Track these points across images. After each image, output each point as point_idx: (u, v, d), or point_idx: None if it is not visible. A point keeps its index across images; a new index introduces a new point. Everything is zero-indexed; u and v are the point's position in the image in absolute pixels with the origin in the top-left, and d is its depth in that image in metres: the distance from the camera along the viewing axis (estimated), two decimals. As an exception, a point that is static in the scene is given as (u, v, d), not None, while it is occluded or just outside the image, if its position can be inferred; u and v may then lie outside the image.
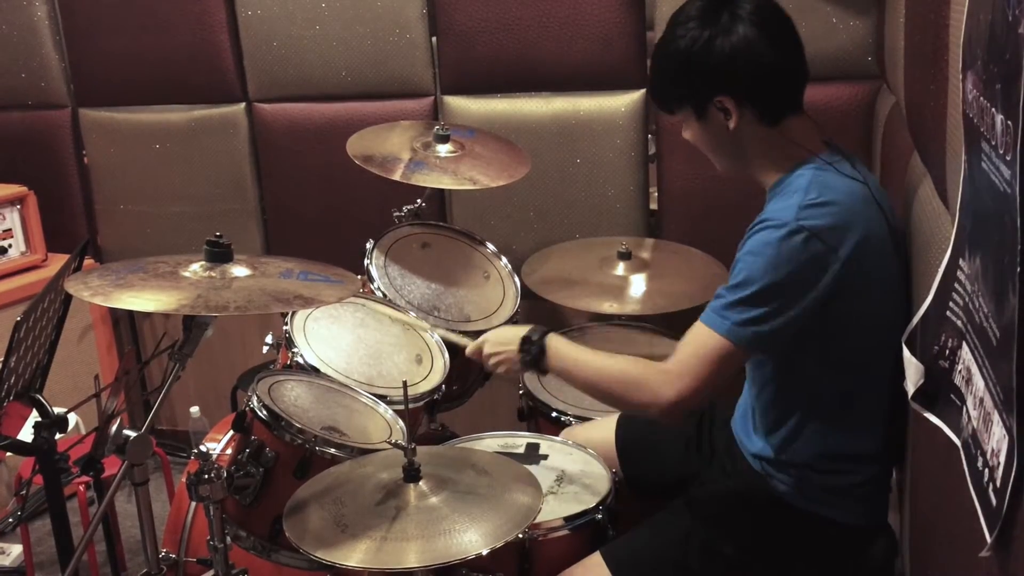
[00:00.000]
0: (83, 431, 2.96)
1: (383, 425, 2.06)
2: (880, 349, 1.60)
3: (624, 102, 2.77)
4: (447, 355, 2.30)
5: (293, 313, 2.23)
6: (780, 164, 1.71)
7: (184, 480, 1.89)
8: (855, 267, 1.58)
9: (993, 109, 0.92)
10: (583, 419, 2.26)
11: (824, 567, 1.77)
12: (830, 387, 1.69)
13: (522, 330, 1.82)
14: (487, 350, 1.87)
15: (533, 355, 1.77)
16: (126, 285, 1.66)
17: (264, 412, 1.93)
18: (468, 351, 1.92)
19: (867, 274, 1.60)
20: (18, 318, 2.02)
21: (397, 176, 2.42)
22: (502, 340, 1.85)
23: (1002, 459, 0.89)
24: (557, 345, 1.78)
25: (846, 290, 1.58)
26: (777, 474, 1.75)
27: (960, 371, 1.10)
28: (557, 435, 2.18)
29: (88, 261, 3.18)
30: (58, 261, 3.21)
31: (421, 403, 2.20)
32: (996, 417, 0.92)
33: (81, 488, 2.70)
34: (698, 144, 1.80)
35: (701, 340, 1.61)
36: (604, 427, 2.13)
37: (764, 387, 1.75)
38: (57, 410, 2.12)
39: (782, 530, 1.76)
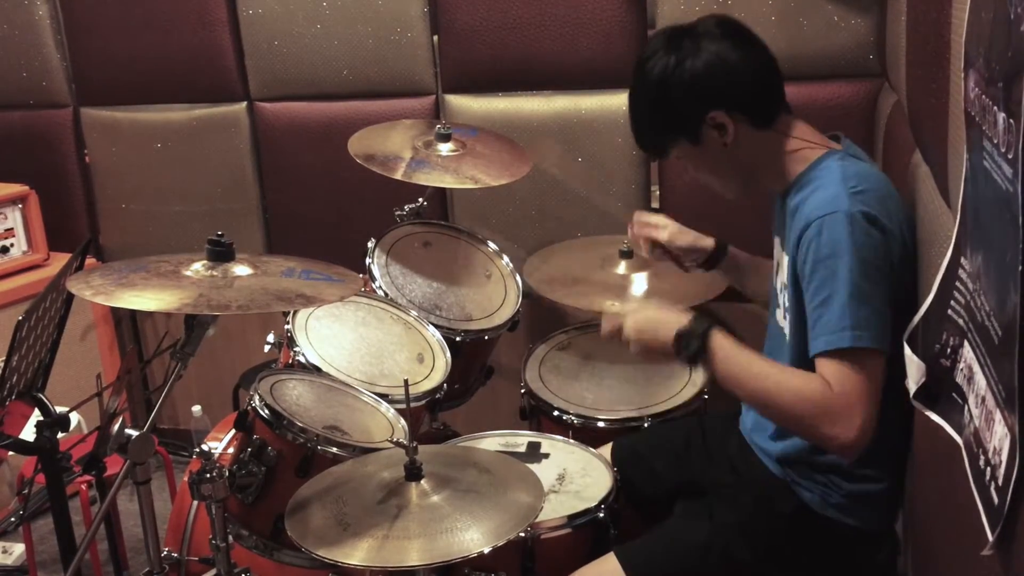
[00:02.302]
0: (85, 430, 2.97)
1: (385, 424, 2.06)
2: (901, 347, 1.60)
3: (625, 100, 2.76)
4: (448, 354, 2.31)
5: (295, 312, 2.23)
6: (793, 162, 1.70)
7: (186, 479, 1.90)
8: (903, 250, 1.58)
9: (995, 107, 0.92)
10: (585, 418, 2.26)
11: (834, 570, 1.77)
12: None
13: (676, 318, 1.67)
14: (630, 332, 1.71)
15: (692, 354, 1.64)
16: (128, 284, 1.66)
17: (266, 411, 1.93)
18: (603, 331, 1.75)
19: (908, 260, 1.60)
20: (20, 317, 2.02)
21: (399, 175, 2.42)
22: (651, 327, 1.70)
23: (1004, 457, 0.89)
24: (723, 348, 1.63)
25: (895, 274, 1.58)
26: (802, 480, 1.74)
27: (962, 369, 1.10)
28: (559, 434, 2.18)
29: (90, 260, 3.18)
30: (60, 260, 3.21)
31: (423, 402, 2.20)
32: (998, 415, 0.92)
33: (83, 487, 2.71)
34: (703, 176, 1.79)
35: (841, 365, 1.53)
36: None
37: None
38: (59, 409, 2.12)
39: (802, 537, 1.75)
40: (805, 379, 1.58)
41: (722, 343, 1.64)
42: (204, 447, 1.80)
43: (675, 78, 1.67)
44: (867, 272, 1.54)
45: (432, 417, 2.44)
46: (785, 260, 1.73)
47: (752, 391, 1.64)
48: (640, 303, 1.75)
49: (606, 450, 2.11)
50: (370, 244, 2.46)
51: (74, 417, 2.72)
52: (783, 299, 1.75)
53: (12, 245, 3.20)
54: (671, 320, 1.68)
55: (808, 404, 1.56)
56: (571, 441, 2.13)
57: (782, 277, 1.75)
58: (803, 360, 1.67)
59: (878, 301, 1.54)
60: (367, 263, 2.43)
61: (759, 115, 1.69)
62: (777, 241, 1.83)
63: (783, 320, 1.76)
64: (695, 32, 1.68)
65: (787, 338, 1.74)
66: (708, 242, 2.08)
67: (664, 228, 2.07)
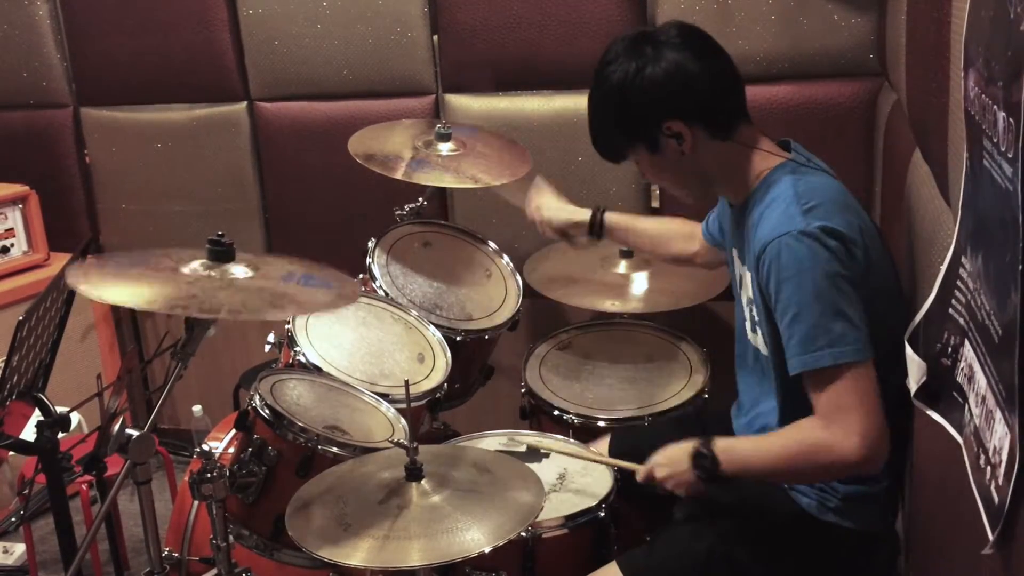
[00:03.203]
0: (85, 430, 2.97)
1: (385, 424, 2.06)
2: (890, 348, 1.60)
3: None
4: (449, 353, 2.31)
5: (295, 312, 2.23)
6: (749, 175, 1.70)
7: (187, 479, 1.89)
8: (866, 255, 1.58)
9: (995, 107, 0.92)
10: (586, 417, 2.26)
11: (836, 573, 1.77)
12: None
13: (688, 446, 1.71)
14: (660, 474, 1.75)
15: (709, 468, 1.66)
16: (121, 278, 1.64)
17: (266, 411, 1.93)
18: (640, 478, 1.80)
19: (873, 264, 1.60)
20: (20, 317, 2.02)
21: (399, 175, 2.42)
22: (672, 460, 1.74)
23: (1004, 457, 0.89)
24: (726, 448, 1.68)
25: (868, 280, 1.58)
26: (798, 486, 1.74)
27: (962, 369, 1.10)
28: (559, 433, 2.18)
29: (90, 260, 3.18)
30: (60, 260, 3.21)
31: (423, 402, 2.20)
32: (998, 415, 0.92)
33: (84, 487, 2.71)
34: (659, 181, 1.80)
35: (823, 386, 1.54)
36: (600, 441, 2.14)
37: (782, 398, 1.73)
38: (59, 409, 2.12)
39: (802, 541, 1.75)
40: (794, 430, 1.61)
41: (723, 445, 1.67)
42: (205, 447, 1.80)
43: (634, 85, 1.66)
44: (836, 285, 1.53)
45: (432, 417, 2.44)
46: (748, 276, 1.72)
47: (764, 469, 1.67)
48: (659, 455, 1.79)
49: (604, 443, 2.11)
50: (370, 244, 2.46)
51: (74, 417, 2.73)
52: (750, 312, 1.75)
53: (12, 245, 3.20)
54: (683, 449, 1.71)
55: (809, 449, 1.57)
56: (571, 441, 2.13)
57: (747, 292, 1.75)
58: (785, 375, 1.68)
59: (852, 311, 1.54)
60: (367, 263, 2.43)
61: (717, 126, 1.68)
62: (735, 253, 1.82)
63: (752, 333, 1.77)
64: (657, 39, 1.67)
65: (761, 352, 1.75)
66: (583, 215, 2.23)
67: (540, 209, 2.29)
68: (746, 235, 1.70)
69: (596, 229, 2.21)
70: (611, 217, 2.22)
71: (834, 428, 1.54)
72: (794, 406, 1.66)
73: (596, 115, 1.76)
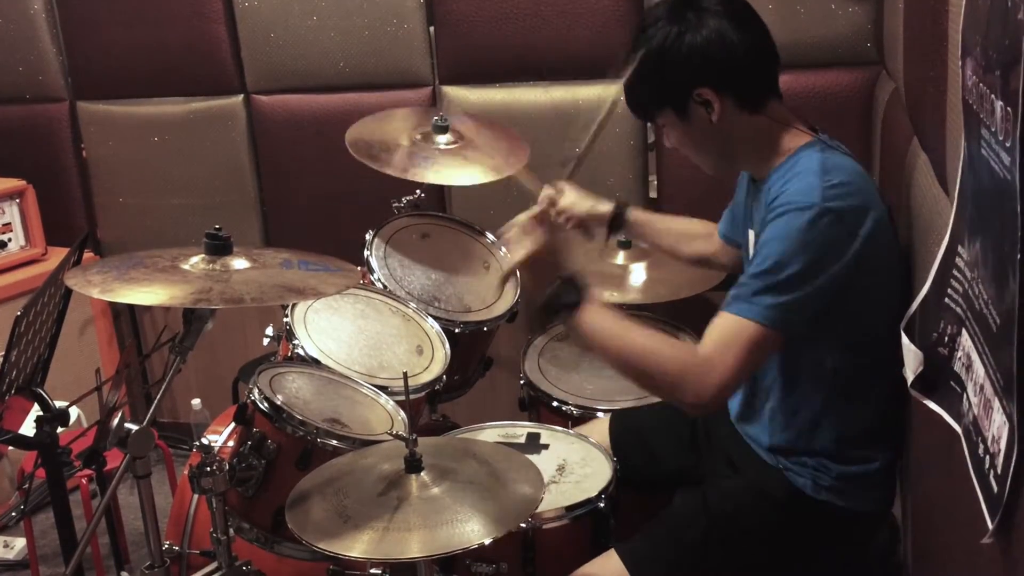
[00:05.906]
0: (85, 425, 2.97)
1: (384, 416, 2.06)
2: (890, 332, 1.60)
3: (623, 90, 2.75)
4: (447, 345, 2.31)
5: (293, 305, 2.23)
6: (776, 150, 1.70)
7: (186, 472, 1.90)
8: (872, 245, 1.58)
9: (992, 95, 0.91)
10: (584, 408, 2.26)
11: (835, 556, 1.77)
12: (846, 373, 1.69)
13: (578, 265, 1.70)
14: (548, 242, 1.73)
15: (566, 303, 1.66)
16: (131, 279, 1.65)
17: (265, 404, 1.93)
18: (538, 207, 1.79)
19: (881, 252, 1.60)
20: (18, 312, 2.02)
21: (406, 175, 2.41)
22: (566, 247, 1.73)
23: (1003, 445, 0.89)
24: (597, 308, 1.67)
25: (865, 268, 1.58)
26: (794, 467, 1.75)
27: (960, 358, 1.10)
28: (558, 424, 2.18)
29: (87, 255, 3.18)
30: (58, 255, 3.21)
31: (422, 394, 2.20)
32: (996, 404, 0.92)
33: (83, 481, 2.71)
34: (683, 147, 1.79)
35: (733, 330, 1.56)
36: (599, 423, 2.14)
37: (778, 378, 1.74)
38: (58, 404, 2.12)
39: (799, 523, 1.75)
40: (670, 342, 1.65)
41: (596, 305, 1.67)
42: (204, 440, 1.80)
43: (673, 49, 1.66)
44: (816, 269, 1.54)
45: (432, 409, 2.44)
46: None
47: (612, 346, 1.66)
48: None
49: (603, 424, 2.11)
50: (368, 236, 2.46)
51: (74, 412, 2.73)
52: None
53: (10, 240, 3.19)
54: (576, 263, 1.71)
55: (669, 362, 1.60)
56: (571, 432, 2.13)
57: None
58: (788, 358, 1.68)
59: (811, 295, 1.55)
60: (365, 255, 2.42)
61: (748, 97, 1.68)
62: (751, 235, 1.81)
63: None
64: (699, 5, 1.67)
65: None
66: (605, 207, 2.15)
67: (562, 194, 2.14)
68: (762, 204, 1.69)
69: (617, 223, 2.16)
70: (633, 213, 2.18)
71: (703, 365, 1.56)
72: (795, 382, 1.67)
73: (632, 75, 1.75)
